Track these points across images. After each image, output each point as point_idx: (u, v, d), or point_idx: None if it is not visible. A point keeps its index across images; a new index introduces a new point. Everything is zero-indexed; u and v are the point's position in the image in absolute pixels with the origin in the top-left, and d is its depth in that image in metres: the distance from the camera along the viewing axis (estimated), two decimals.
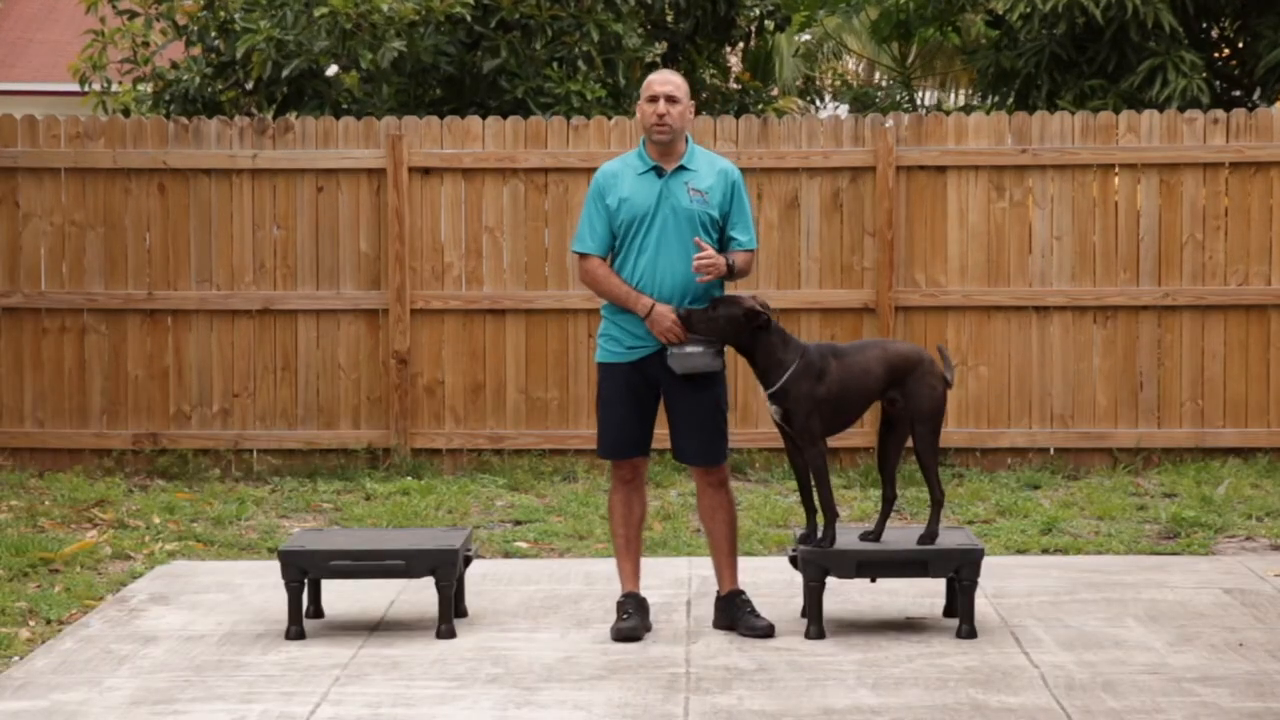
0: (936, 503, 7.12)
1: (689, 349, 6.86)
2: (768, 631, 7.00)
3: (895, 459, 7.18)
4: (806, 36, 23.26)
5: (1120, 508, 9.82)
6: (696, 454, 7.07)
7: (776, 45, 21.15)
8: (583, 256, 7.02)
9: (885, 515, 7.18)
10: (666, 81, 6.95)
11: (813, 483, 7.03)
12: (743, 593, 7.15)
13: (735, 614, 7.09)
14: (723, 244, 7.02)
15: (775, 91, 19.88)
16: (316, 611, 7.40)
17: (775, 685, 6.34)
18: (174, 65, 13.51)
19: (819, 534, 7.01)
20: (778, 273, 11.17)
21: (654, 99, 6.89)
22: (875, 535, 7.13)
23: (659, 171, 6.96)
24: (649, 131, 6.93)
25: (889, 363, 7.05)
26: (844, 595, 7.61)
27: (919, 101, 23.47)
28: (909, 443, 7.14)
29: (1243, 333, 11.08)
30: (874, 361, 7.04)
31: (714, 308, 6.89)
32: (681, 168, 6.97)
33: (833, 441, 7.20)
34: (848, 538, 7.17)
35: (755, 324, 6.89)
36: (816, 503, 7.01)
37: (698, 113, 15.05)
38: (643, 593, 7.18)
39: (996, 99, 15.47)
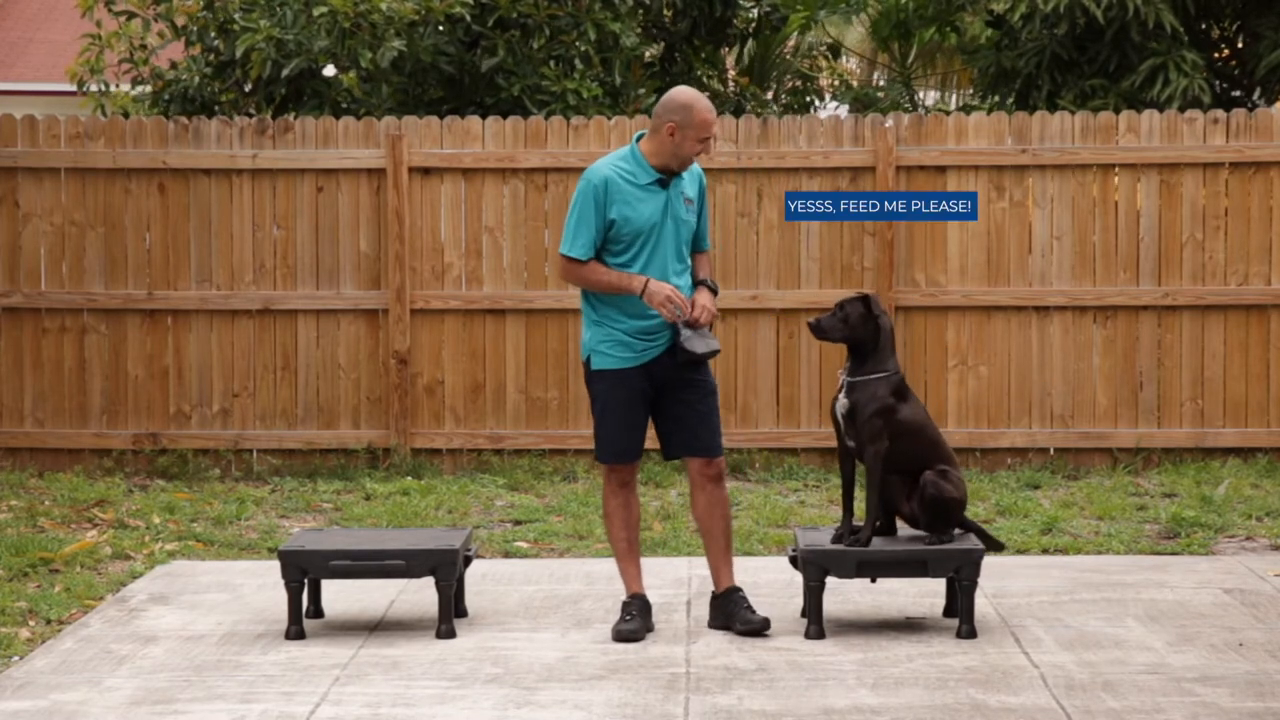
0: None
1: (700, 329, 6.88)
2: (763, 626, 7.00)
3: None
4: (810, 36, 23.16)
5: (1120, 508, 9.81)
6: (704, 446, 7.04)
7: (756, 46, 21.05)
8: (571, 259, 6.99)
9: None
10: (716, 121, 6.94)
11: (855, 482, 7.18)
12: (740, 589, 7.15)
13: (731, 609, 7.08)
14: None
15: (770, 94, 19.85)
16: (316, 611, 7.40)
17: (775, 685, 6.34)
18: (173, 65, 13.51)
19: (854, 533, 7.05)
20: (778, 272, 11.17)
21: (706, 140, 6.87)
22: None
23: (663, 183, 6.95)
24: (681, 161, 6.89)
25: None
26: (844, 595, 7.61)
27: (919, 101, 23.43)
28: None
29: (1243, 333, 11.07)
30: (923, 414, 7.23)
31: (840, 308, 7.10)
32: (678, 176, 6.99)
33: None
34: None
35: (875, 311, 7.06)
36: (869, 505, 7.09)
37: None
38: (645, 593, 7.18)
39: (996, 99, 15.45)
